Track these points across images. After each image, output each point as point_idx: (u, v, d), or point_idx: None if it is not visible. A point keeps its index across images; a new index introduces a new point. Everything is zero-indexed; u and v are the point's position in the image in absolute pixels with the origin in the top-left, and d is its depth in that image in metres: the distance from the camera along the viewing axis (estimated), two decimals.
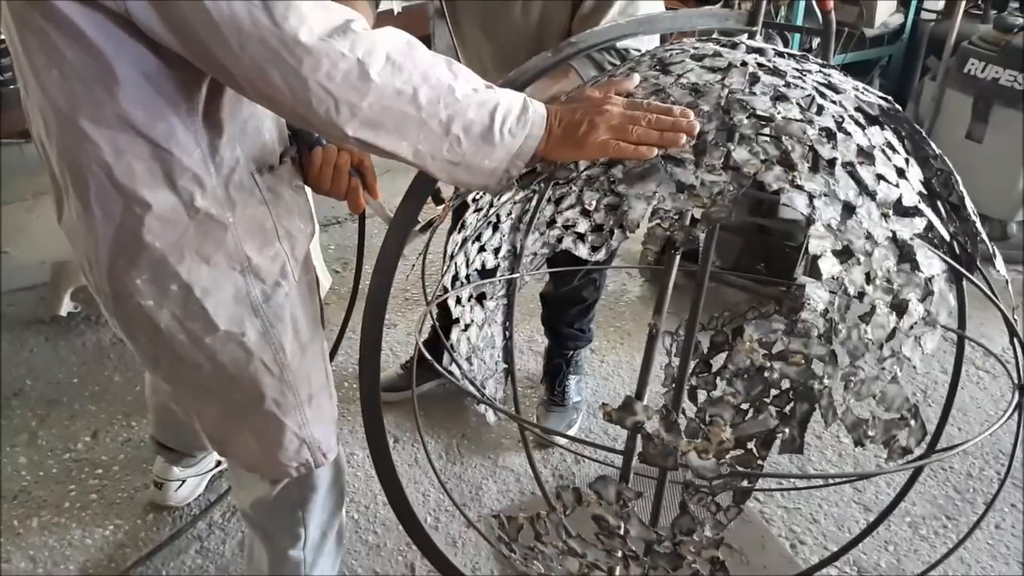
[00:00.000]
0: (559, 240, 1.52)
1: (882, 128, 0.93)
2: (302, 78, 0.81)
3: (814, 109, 0.87)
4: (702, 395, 1.32)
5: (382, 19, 1.53)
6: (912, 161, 0.93)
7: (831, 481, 1.89)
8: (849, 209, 0.78)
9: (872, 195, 0.81)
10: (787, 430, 0.72)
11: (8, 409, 2.14)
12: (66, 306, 2.43)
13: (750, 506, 1.87)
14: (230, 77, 0.85)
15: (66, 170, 0.97)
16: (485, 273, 1.43)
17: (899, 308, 0.75)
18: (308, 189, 1.19)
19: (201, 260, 1.02)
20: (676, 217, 0.81)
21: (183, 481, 1.81)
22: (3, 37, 2.30)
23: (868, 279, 0.75)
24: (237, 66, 0.82)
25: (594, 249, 1.53)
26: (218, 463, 1.87)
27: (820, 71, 0.99)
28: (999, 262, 0.98)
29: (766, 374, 0.73)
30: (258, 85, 0.83)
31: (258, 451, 1.22)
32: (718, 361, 1.17)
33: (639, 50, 1.41)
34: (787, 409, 0.79)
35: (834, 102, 0.91)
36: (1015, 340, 1.05)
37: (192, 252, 1.01)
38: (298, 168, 1.16)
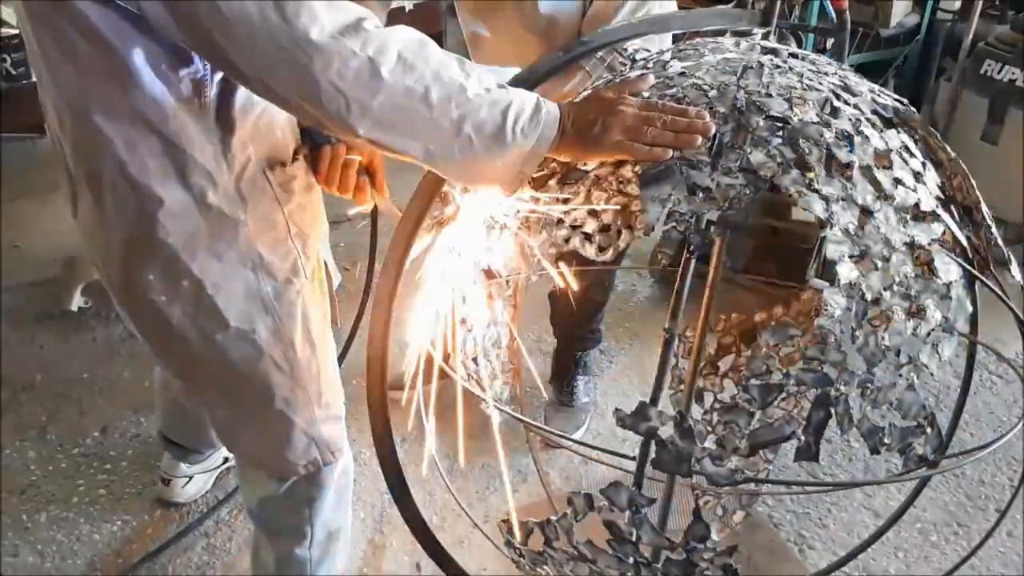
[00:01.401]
0: (566, 240, 1.51)
1: (898, 131, 0.91)
2: (313, 76, 0.80)
3: (827, 110, 0.86)
4: (708, 397, 1.31)
5: (394, 16, 1.52)
6: (929, 165, 0.92)
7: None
8: (867, 213, 0.77)
9: (890, 199, 0.80)
10: (803, 437, 0.71)
11: (17, 404, 2.15)
12: (77, 301, 2.43)
13: (759, 510, 1.86)
14: (241, 75, 0.84)
15: (80, 165, 0.97)
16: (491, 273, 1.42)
17: (916, 314, 0.74)
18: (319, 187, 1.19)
19: (213, 257, 1.02)
20: (691, 220, 0.80)
21: (190, 478, 1.81)
22: (17, 32, 2.31)
23: (885, 285, 0.74)
24: (248, 64, 0.82)
25: (601, 249, 1.52)
26: (226, 460, 1.88)
27: (836, 72, 0.98)
28: (1014, 266, 0.96)
29: (781, 380, 0.72)
30: (269, 83, 0.83)
31: (266, 448, 1.22)
32: (725, 363, 1.17)
33: (648, 50, 1.40)
34: (795, 412, 0.78)
35: (849, 104, 0.90)
36: None
37: (204, 249, 1.01)
38: (309, 166, 1.15)
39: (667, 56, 1.02)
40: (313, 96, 0.82)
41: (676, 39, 1.53)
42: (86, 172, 0.97)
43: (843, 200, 0.78)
